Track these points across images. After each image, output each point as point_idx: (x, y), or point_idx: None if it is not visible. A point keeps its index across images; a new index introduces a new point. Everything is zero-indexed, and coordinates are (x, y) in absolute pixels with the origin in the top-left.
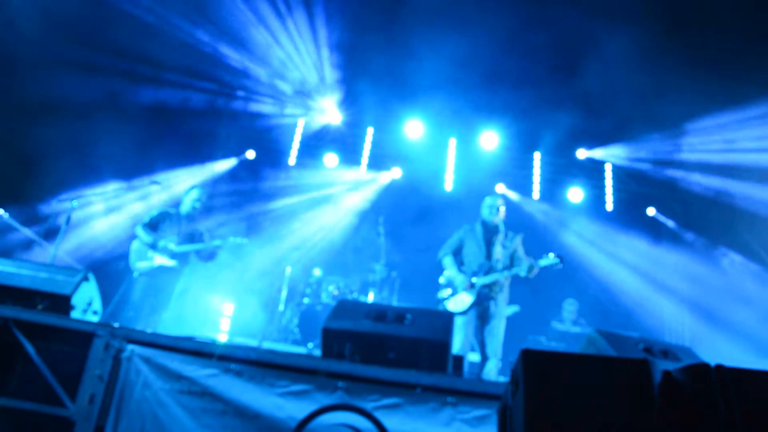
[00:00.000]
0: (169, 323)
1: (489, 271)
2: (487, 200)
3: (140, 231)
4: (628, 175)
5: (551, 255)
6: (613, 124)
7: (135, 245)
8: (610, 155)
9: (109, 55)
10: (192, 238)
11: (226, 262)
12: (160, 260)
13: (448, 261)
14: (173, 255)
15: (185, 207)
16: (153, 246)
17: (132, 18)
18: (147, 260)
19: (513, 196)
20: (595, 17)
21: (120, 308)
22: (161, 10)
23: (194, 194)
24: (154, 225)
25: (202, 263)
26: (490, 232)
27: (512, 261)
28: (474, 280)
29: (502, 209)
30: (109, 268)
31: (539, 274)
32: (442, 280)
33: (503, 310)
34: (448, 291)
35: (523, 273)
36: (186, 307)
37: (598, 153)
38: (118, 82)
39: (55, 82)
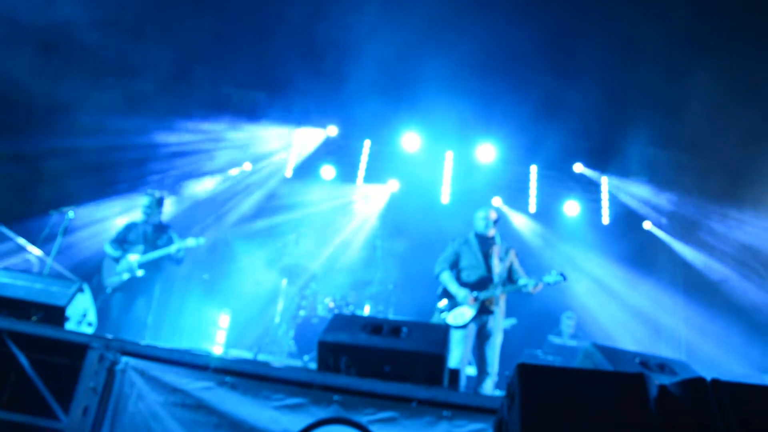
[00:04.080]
0: (165, 335)
1: (492, 285)
2: (480, 212)
3: (108, 248)
4: (625, 190)
5: (554, 272)
6: (612, 142)
7: (105, 262)
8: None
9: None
10: (159, 244)
11: (222, 273)
12: (128, 273)
13: (447, 276)
14: (139, 266)
15: (140, 215)
16: (120, 261)
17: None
18: (116, 275)
19: (507, 210)
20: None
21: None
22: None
23: (144, 201)
24: (121, 239)
25: (175, 268)
26: (486, 245)
27: (510, 274)
28: (476, 294)
29: (495, 221)
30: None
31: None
32: (441, 302)
33: (501, 324)
34: (444, 302)
35: (529, 288)
36: (182, 319)
37: (594, 174)
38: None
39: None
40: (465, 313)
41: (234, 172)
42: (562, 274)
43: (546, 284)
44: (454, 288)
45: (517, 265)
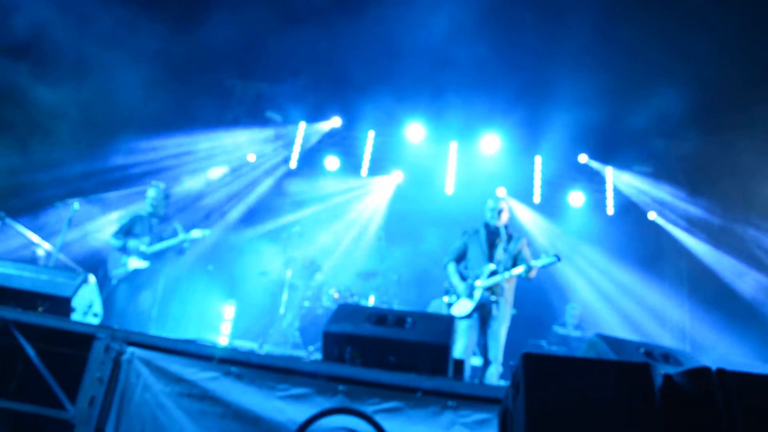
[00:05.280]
0: (170, 326)
1: (490, 273)
2: (489, 203)
3: (111, 239)
4: (629, 181)
5: (549, 254)
6: (617, 133)
7: (110, 254)
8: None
9: None
10: (164, 235)
11: (227, 264)
12: (134, 264)
13: (451, 268)
14: (145, 256)
15: (146, 207)
16: (123, 249)
17: None
18: (122, 266)
19: (512, 202)
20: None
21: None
22: None
23: (151, 193)
24: (126, 230)
25: (177, 258)
26: (493, 235)
27: (515, 263)
28: (476, 283)
29: (505, 212)
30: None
31: (541, 279)
32: (446, 285)
33: (506, 313)
34: (452, 297)
35: (522, 273)
36: (187, 310)
37: (599, 165)
38: None
39: None
40: (466, 304)
41: (238, 164)
42: (556, 255)
43: (541, 267)
44: (455, 281)
45: (526, 254)
